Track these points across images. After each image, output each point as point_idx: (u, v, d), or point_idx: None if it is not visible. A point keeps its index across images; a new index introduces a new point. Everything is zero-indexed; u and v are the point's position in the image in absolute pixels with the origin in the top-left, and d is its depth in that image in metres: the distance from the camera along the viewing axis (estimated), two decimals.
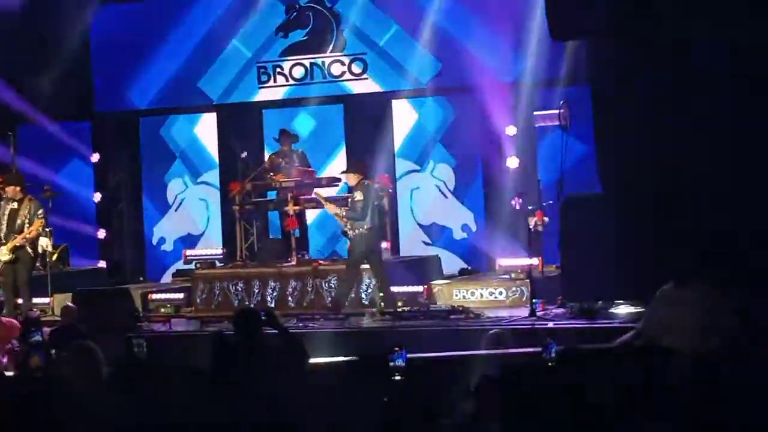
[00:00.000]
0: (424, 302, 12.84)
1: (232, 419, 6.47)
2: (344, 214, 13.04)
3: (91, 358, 6.94)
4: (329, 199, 13.88)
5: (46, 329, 11.50)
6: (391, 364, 6.95)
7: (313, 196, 14.05)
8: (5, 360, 9.93)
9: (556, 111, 12.97)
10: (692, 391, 5.58)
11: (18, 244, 13.05)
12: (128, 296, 13.32)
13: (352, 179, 13.08)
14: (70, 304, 11.85)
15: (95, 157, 17.08)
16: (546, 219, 12.94)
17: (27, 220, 13.08)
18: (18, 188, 13.29)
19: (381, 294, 12.83)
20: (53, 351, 8.56)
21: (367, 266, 13.03)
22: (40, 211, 13.20)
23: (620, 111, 11.53)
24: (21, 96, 16.55)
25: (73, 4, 16.60)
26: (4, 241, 13.14)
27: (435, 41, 15.59)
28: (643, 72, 11.27)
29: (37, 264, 15.19)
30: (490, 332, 8.85)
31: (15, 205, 13.22)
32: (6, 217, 13.24)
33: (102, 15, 17.15)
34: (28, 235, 13.04)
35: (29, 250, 13.18)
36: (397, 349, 7.01)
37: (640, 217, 11.34)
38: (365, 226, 12.77)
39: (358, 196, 12.83)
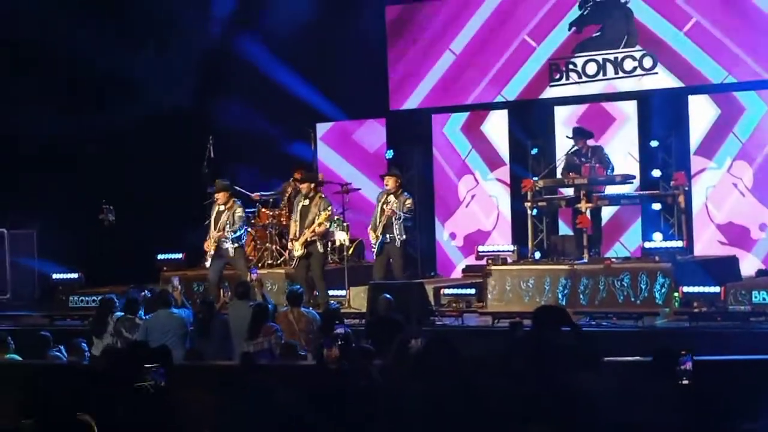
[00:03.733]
0: (721, 304, 12.41)
1: (525, 412, 6.47)
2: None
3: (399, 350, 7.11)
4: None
5: (349, 322, 11.84)
6: (680, 368, 6.78)
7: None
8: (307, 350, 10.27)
9: None
10: None
11: (308, 239, 13.51)
12: (422, 290, 13.48)
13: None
14: (387, 295, 11.93)
15: (389, 154, 17.48)
16: None
17: (317, 216, 13.54)
18: (311, 185, 13.78)
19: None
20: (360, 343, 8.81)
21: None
22: (329, 207, 13.62)
23: None
24: (321, 94, 17.17)
25: (369, 3, 17.10)
26: (297, 237, 13.65)
27: (733, 33, 15.10)
28: None
29: (334, 257, 15.73)
30: None
31: (307, 201, 13.70)
32: (298, 214, 13.75)
33: (395, 14, 17.56)
34: (316, 229, 13.49)
35: (320, 245, 13.62)
36: (683, 352, 6.83)
37: None
38: None
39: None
